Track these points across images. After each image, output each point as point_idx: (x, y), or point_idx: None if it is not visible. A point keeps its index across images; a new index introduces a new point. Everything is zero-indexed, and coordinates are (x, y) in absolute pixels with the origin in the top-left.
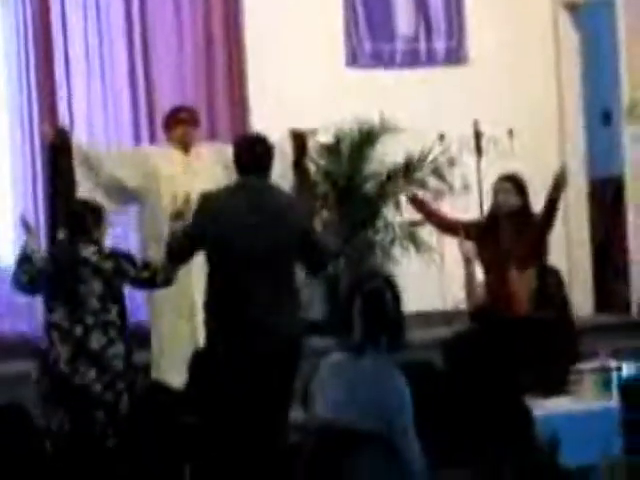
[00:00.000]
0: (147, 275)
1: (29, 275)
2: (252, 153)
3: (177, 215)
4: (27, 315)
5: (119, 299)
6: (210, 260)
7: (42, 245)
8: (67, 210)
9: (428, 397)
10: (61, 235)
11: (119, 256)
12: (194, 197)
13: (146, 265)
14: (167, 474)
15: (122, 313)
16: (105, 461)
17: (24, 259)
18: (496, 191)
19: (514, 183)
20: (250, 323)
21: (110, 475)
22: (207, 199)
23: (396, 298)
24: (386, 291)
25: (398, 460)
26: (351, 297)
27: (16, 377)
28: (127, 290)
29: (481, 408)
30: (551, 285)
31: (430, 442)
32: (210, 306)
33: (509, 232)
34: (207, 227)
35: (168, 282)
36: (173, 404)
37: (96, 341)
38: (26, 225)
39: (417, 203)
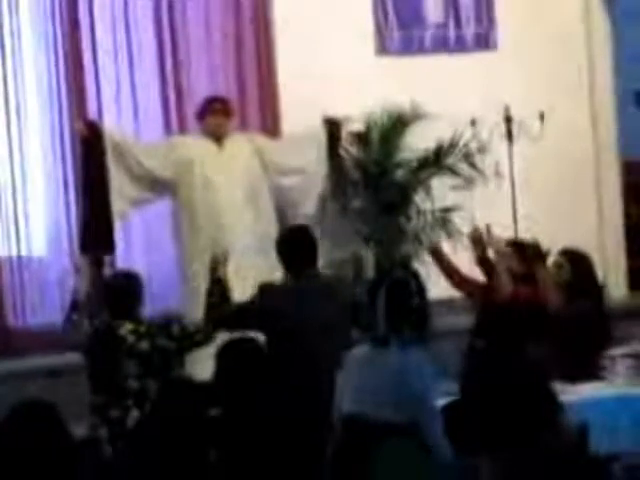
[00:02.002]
0: (187, 343)
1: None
2: (297, 251)
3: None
4: (59, 308)
5: (160, 374)
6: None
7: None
8: (105, 288)
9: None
10: (101, 316)
11: (157, 333)
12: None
13: (184, 331)
14: (192, 461)
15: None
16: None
17: (72, 305)
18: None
19: (515, 248)
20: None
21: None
22: (268, 294)
23: (420, 289)
24: (409, 282)
25: (424, 450)
26: (375, 289)
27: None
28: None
29: (507, 395)
30: (583, 274)
31: (456, 430)
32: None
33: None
34: (271, 320)
35: (210, 339)
36: (197, 397)
37: (133, 420)
38: (77, 269)
39: (437, 255)
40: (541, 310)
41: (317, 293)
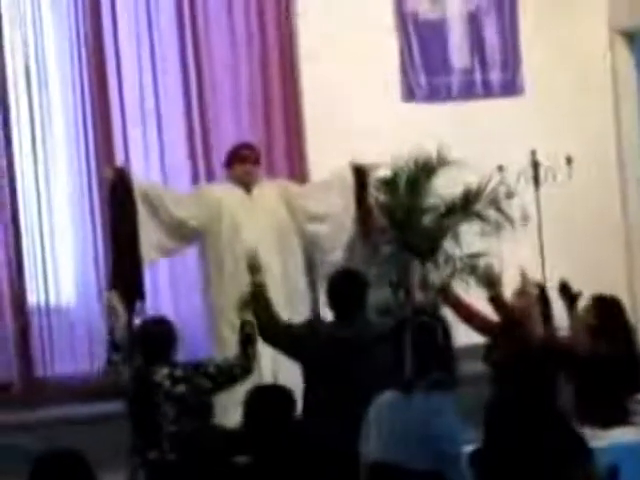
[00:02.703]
0: (224, 379)
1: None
2: (343, 296)
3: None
4: (88, 356)
5: (197, 415)
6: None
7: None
8: (138, 334)
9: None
10: (137, 362)
11: (193, 375)
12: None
13: (220, 369)
14: None
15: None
16: None
17: (112, 346)
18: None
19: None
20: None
21: None
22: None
23: (446, 333)
24: (437, 326)
25: None
26: (401, 332)
27: (76, 420)
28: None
29: (533, 439)
30: (612, 319)
31: (483, 478)
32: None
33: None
34: (311, 351)
35: (248, 372)
36: (224, 445)
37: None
38: (111, 308)
39: (445, 293)
40: (569, 354)
41: (360, 344)
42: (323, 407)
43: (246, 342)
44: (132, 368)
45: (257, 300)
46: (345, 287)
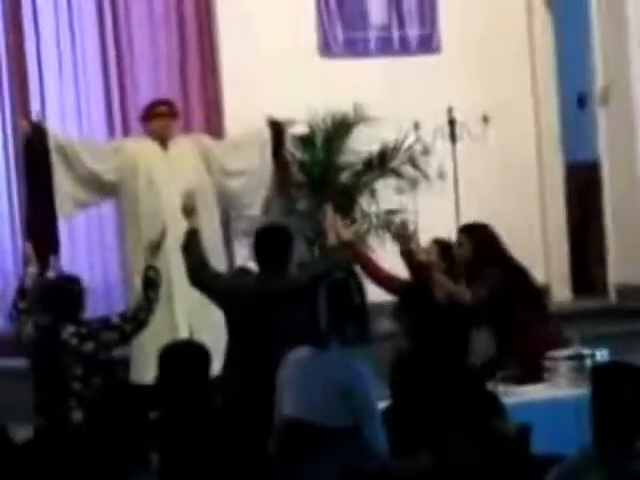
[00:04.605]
0: (131, 327)
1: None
2: (266, 250)
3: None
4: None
5: (106, 371)
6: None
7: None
8: (47, 291)
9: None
10: (43, 319)
11: (98, 330)
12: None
13: (124, 317)
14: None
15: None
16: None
17: (20, 293)
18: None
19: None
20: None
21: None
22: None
23: (359, 289)
24: (350, 281)
25: (363, 451)
26: (315, 288)
27: None
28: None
29: (444, 395)
30: (484, 244)
31: (395, 429)
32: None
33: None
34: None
35: (151, 314)
36: (135, 401)
37: (76, 421)
38: (27, 256)
39: (354, 251)
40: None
41: (282, 298)
42: (246, 361)
43: (148, 286)
44: (38, 327)
45: (190, 244)
46: (271, 241)
